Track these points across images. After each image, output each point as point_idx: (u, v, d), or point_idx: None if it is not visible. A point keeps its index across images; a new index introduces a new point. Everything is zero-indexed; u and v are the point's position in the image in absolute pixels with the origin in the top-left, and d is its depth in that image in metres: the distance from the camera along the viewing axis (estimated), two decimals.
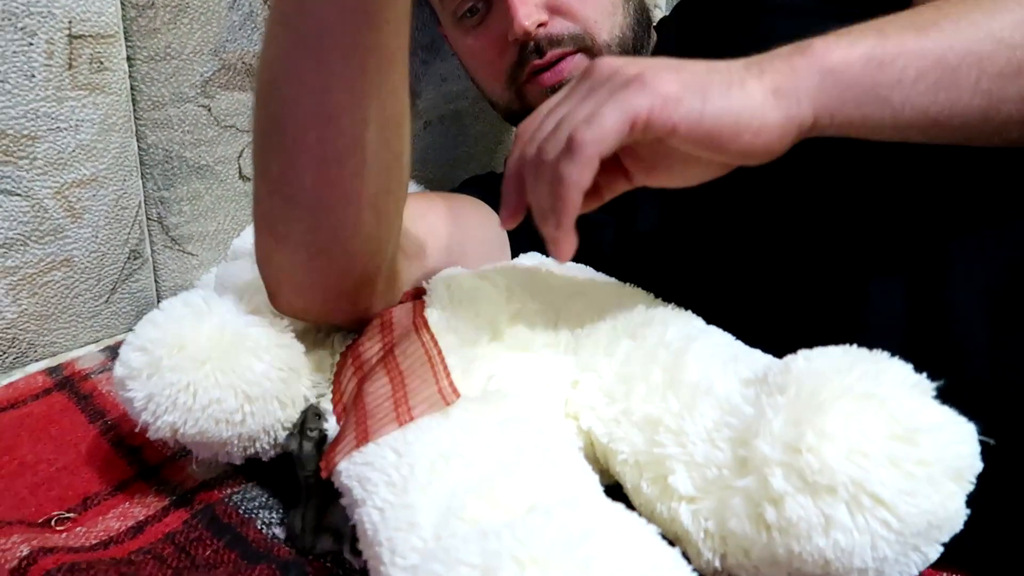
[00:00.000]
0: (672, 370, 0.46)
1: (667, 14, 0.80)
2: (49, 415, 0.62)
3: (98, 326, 0.74)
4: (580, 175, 0.38)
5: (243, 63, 0.73)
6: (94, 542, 0.50)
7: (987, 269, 0.48)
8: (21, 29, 0.59)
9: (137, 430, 0.50)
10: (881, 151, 0.47)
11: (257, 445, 0.53)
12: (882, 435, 0.35)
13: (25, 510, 0.52)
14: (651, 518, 0.43)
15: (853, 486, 0.34)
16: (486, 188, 0.74)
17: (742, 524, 0.38)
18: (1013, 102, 0.43)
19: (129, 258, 0.74)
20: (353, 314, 0.57)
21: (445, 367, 0.47)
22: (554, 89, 0.67)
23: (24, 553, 0.46)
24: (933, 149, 0.46)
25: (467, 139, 1.01)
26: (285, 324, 0.54)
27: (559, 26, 0.67)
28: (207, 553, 0.49)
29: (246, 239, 0.74)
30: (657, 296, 0.56)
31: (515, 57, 0.69)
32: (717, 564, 0.41)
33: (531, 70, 0.68)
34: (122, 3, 0.64)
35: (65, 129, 0.64)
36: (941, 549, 0.36)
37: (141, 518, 0.52)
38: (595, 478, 0.42)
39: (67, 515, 0.52)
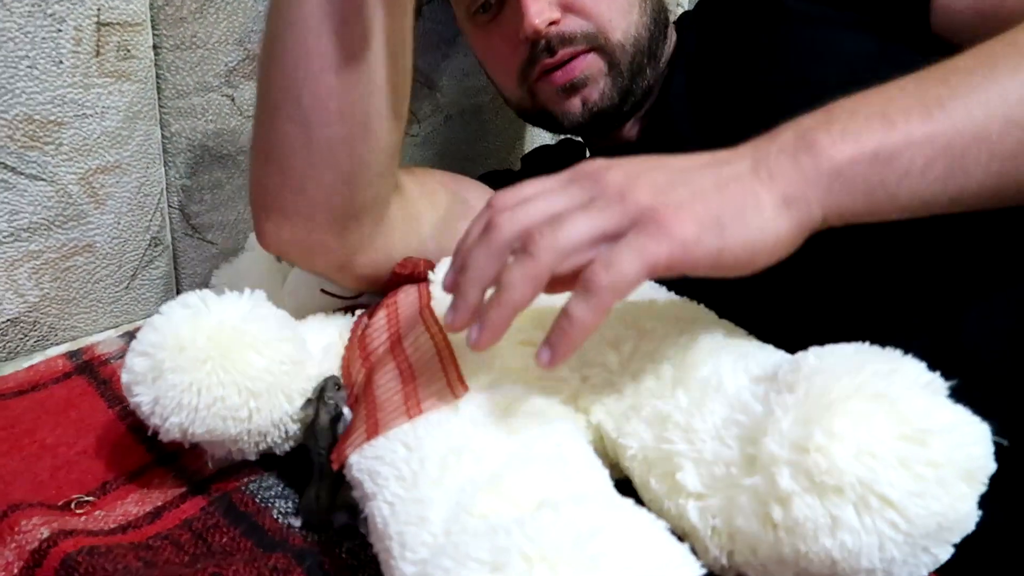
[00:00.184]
0: (681, 365, 0.45)
1: (689, 9, 0.80)
2: (69, 398, 0.63)
3: (118, 311, 0.75)
4: (593, 319, 0.37)
5: None
6: (113, 526, 0.50)
7: (1005, 309, 0.48)
8: (51, 15, 0.60)
9: (149, 433, 0.51)
10: None
11: (268, 440, 0.53)
12: (891, 435, 0.35)
13: (45, 492, 0.52)
14: (660, 514, 0.42)
15: (861, 487, 0.34)
16: (500, 184, 0.74)
17: (749, 522, 0.38)
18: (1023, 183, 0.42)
19: (150, 245, 0.74)
20: (337, 253, 0.59)
21: (454, 360, 0.47)
22: (565, 89, 0.67)
23: (44, 535, 0.47)
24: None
25: (487, 134, 1.01)
26: (286, 317, 0.55)
27: (572, 24, 0.66)
28: (223, 540, 0.50)
29: None
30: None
31: (526, 55, 0.67)
32: (724, 561, 0.41)
33: (542, 68, 0.67)
34: None
35: (91, 116, 0.65)
36: (951, 550, 0.36)
37: (159, 503, 0.53)
38: (605, 473, 0.42)
39: (86, 498, 0.52)
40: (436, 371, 0.46)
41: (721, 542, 0.40)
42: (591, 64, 0.67)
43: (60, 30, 0.60)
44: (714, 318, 0.51)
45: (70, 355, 0.69)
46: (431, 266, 0.60)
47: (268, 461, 0.56)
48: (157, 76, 0.69)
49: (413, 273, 0.61)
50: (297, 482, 0.55)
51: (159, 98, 0.70)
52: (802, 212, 0.39)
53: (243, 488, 0.54)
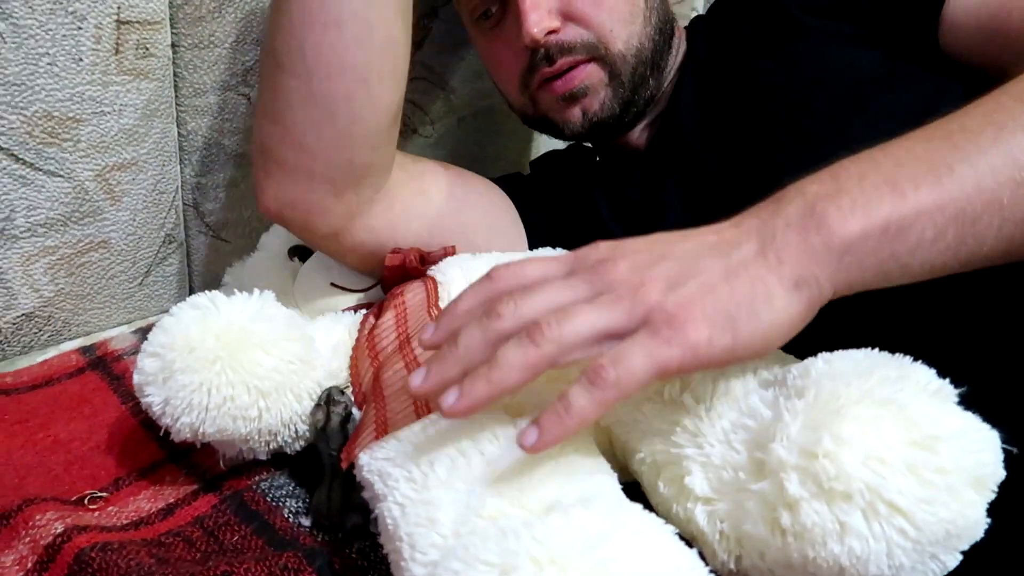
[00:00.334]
0: None
1: (702, 14, 0.79)
2: (82, 394, 0.64)
3: (131, 308, 0.75)
4: (592, 411, 0.36)
5: None
6: (125, 522, 0.51)
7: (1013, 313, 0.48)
8: (71, 13, 0.60)
9: (161, 433, 0.51)
10: None
11: (279, 439, 0.54)
12: (900, 442, 0.35)
13: (59, 487, 0.53)
14: (668, 518, 0.43)
15: (869, 493, 0.34)
16: (508, 187, 0.74)
17: (757, 527, 0.38)
18: None
19: (164, 242, 0.75)
20: (335, 215, 0.61)
21: None
22: (565, 98, 0.67)
23: (59, 530, 0.47)
24: None
25: (499, 135, 1.01)
26: (294, 317, 0.55)
27: (572, 33, 0.65)
28: (235, 539, 0.50)
29: (274, 234, 0.75)
30: None
31: (526, 63, 0.67)
32: (732, 566, 0.41)
33: (542, 77, 0.67)
34: None
35: (109, 113, 0.65)
36: (960, 557, 0.36)
37: (171, 500, 0.53)
38: (614, 476, 0.42)
39: (100, 494, 0.53)
40: None
41: (729, 546, 0.40)
42: (591, 74, 0.67)
43: (80, 28, 0.61)
44: None
45: (83, 350, 0.69)
46: (419, 254, 0.60)
47: (279, 460, 0.56)
48: (175, 74, 0.69)
49: (405, 264, 0.61)
50: (308, 481, 0.55)
51: (176, 96, 0.70)
52: (812, 291, 0.38)
53: (254, 487, 0.54)
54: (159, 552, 0.47)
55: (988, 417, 0.37)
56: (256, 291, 0.55)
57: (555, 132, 0.73)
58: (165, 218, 0.74)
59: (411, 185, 0.66)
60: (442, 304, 0.56)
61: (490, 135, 1.00)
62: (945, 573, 0.36)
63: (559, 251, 0.64)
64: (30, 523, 0.48)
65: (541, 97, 0.69)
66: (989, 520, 0.36)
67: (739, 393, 0.43)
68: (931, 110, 0.45)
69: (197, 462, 0.57)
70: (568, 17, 0.65)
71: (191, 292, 0.80)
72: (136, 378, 0.52)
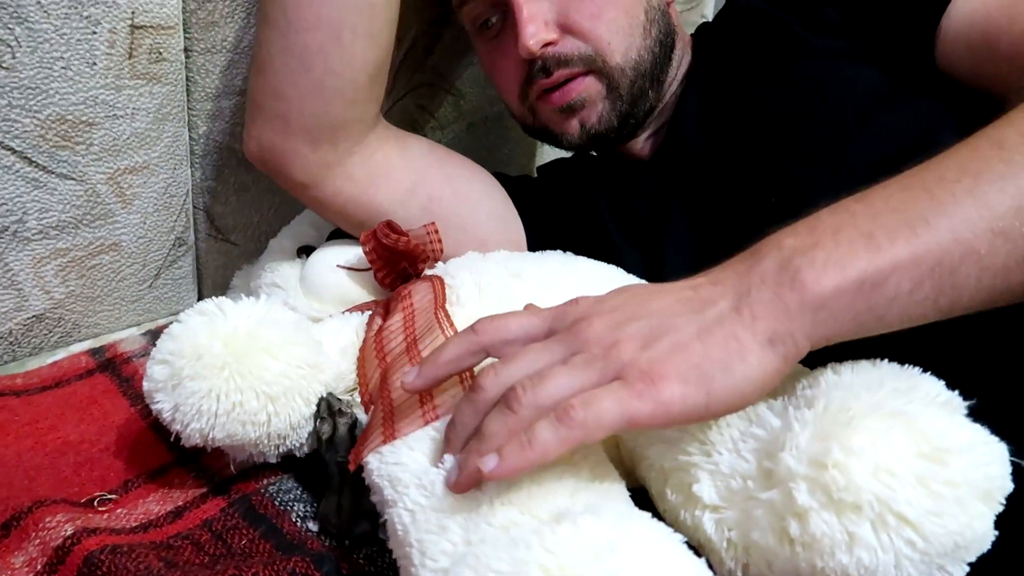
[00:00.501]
0: None
1: (709, 20, 0.79)
2: (92, 396, 0.64)
3: (140, 310, 0.76)
4: (555, 447, 0.36)
5: None
6: (134, 524, 0.51)
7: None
8: (86, 18, 0.60)
9: (172, 439, 0.52)
10: None
11: (288, 443, 0.54)
12: (910, 454, 0.35)
13: (69, 489, 0.53)
14: (675, 525, 0.43)
15: (879, 504, 0.34)
16: (513, 187, 0.74)
17: (765, 536, 0.38)
18: (1018, 291, 0.40)
19: (174, 245, 0.75)
20: (312, 163, 0.64)
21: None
22: (563, 109, 0.67)
23: (68, 533, 0.47)
24: None
25: (508, 141, 1.01)
26: (301, 320, 0.55)
27: (569, 46, 0.65)
28: (243, 542, 0.50)
29: (282, 240, 0.75)
30: None
31: (524, 74, 0.68)
32: (740, 574, 0.41)
33: (540, 88, 0.67)
34: None
35: (122, 117, 0.65)
36: (967, 569, 0.36)
37: (180, 503, 0.53)
38: (622, 483, 0.42)
39: (109, 496, 0.53)
40: (452, 376, 0.47)
41: (736, 554, 0.41)
42: (588, 87, 0.67)
43: (95, 32, 0.61)
44: None
45: (93, 352, 0.70)
46: (388, 223, 0.62)
47: (287, 464, 0.57)
48: (187, 79, 0.70)
49: (396, 247, 0.62)
50: (315, 486, 0.55)
51: (188, 100, 0.71)
52: (788, 347, 0.38)
53: (262, 490, 0.55)
54: (168, 555, 0.48)
55: (997, 430, 0.37)
56: (263, 295, 0.55)
57: (555, 142, 0.73)
58: (175, 221, 0.74)
59: (393, 141, 0.69)
60: (450, 307, 0.56)
61: (499, 141, 1.00)
62: None
63: (569, 255, 0.64)
64: (40, 525, 0.48)
65: (540, 108, 0.69)
66: (997, 532, 0.36)
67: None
68: (930, 130, 0.45)
69: (206, 465, 0.57)
70: (566, 29, 0.65)
71: (200, 295, 0.81)
72: (146, 385, 0.52)
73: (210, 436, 0.50)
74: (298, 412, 0.53)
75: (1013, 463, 0.36)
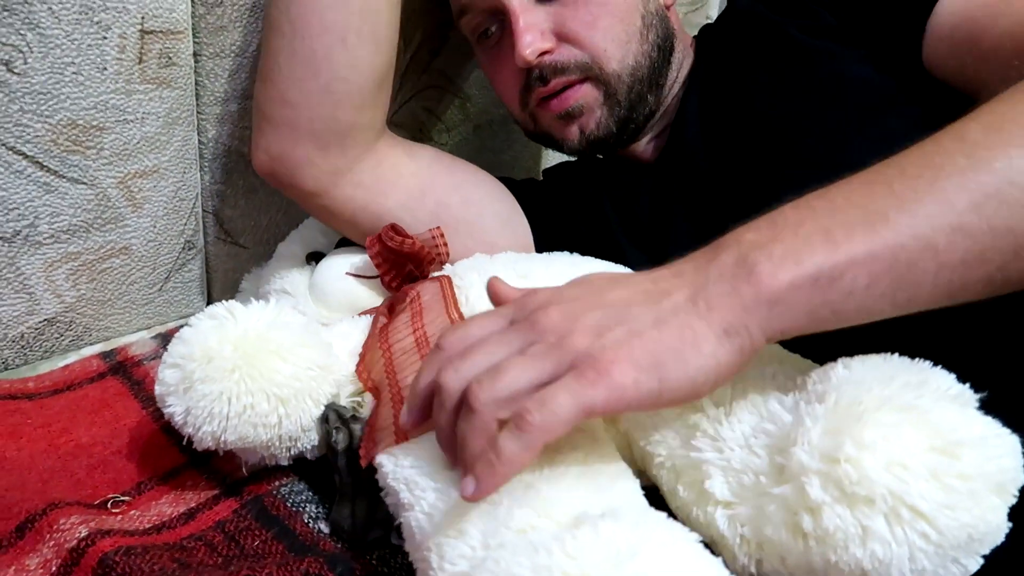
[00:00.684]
0: None
1: (711, 22, 0.79)
2: (103, 399, 0.64)
3: (151, 313, 0.76)
4: (523, 456, 0.36)
5: None
6: (148, 526, 0.51)
7: None
8: (97, 23, 0.61)
9: (184, 442, 0.52)
10: None
11: (299, 445, 0.54)
12: (922, 447, 0.35)
13: (82, 491, 0.53)
14: (687, 522, 0.43)
15: (892, 498, 0.34)
16: (519, 190, 0.75)
17: (778, 532, 0.38)
18: (976, 288, 0.40)
19: (184, 248, 0.75)
20: (322, 170, 0.65)
21: None
22: (561, 116, 0.68)
23: (83, 534, 0.48)
24: None
25: (514, 143, 1.01)
26: (310, 323, 0.56)
27: (565, 54, 0.66)
28: (256, 543, 0.50)
29: (291, 244, 0.76)
30: None
31: (523, 83, 0.69)
32: (753, 570, 0.41)
33: (538, 96, 0.68)
34: (193, 0, 0.66)
35: (132, 121, 0.66)
36: (981, 561, 0.36)
37: (193, 505, 0.53)
38: (636, 483, 0.42)
39: (122, 498, 0.53)
40: None
41: (750, 550, 0.41)
42: (586, 94, 0.67)
43: (105, 37, 0.62)
44: None
45: (104, 355, 0.70)
46: (392, 227, 0.62)
47: (298, 465, 0.57)
48: (196, 83, 0.70)
49: (402, 249, 0.62)
50: (327, 487, 0.55)
51: (197, 104, 0.71)
52: (743, 339, 0.38)
53: (275, 492, 0.55)
54: (181, 556, 0.48)
55: (1009, 422, 0.37)
56: (273, 299, 0.55)
57: (557, 147, 0.74)
58: (185, 224, 0.74)
59: (400, 148, 0.69)
60: (462, 307, 0.56)
61: (505, 143, 1.00)
62: None
63: (575, 256, 0.65)
64: (54, 527, 0.48)
65: (540, 115, 0.70)
66: (1010, 524, 0.36)
67: (759, 398, 0.43)
68: (928, 133, 0.45)
69: (218, 467, 0.57)
70: (562, 38, 0.66)
71: (209, 298, 0.81)
72: (157, 389, 0.53)
73: (222, 439, 0.51)
74: (308, 414, 0.53)
75: None
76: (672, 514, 0.43)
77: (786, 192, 0.42)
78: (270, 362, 0.51)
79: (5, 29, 0.57)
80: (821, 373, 0.41)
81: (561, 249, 0.67)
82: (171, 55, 0.66)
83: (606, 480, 0.41)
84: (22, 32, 0.58)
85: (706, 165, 0.66)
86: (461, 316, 0.54)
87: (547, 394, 0.36)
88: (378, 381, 0.52)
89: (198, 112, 0.71)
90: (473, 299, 0.57)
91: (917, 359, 0.40)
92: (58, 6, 0.59)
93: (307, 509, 0.54)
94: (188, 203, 0.74)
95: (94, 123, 0.64)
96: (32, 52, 0.59)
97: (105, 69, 0.63)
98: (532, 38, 0.64)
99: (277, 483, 0.56)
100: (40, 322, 0.69)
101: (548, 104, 0.68)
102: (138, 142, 0.67)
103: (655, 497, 0.44)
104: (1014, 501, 0.36)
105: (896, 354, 0.41)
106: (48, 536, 0.48)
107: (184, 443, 0.52)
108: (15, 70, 0.59)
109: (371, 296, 0.68)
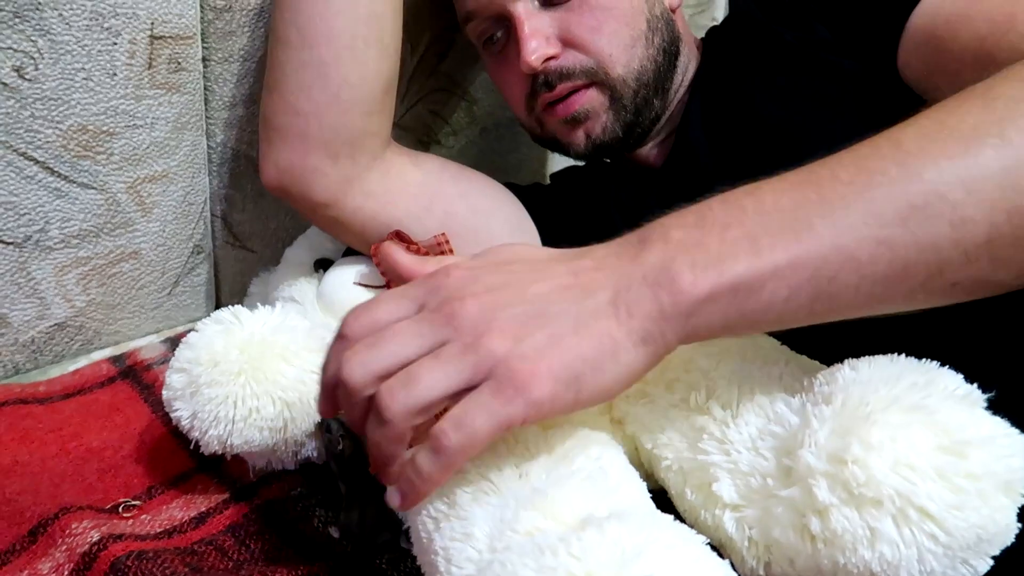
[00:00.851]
0: (715, 376, 0.46)
1: (717, 24, 0.79)
2: (114, 403, 0.65)
3: (160, 317, 0.76)
4: (441, 475, 0.37)
5: None
6: (159, 530, 0.51)
7: None
8: (107, 29, 0.61)
9: (192, 447, 0.53)
10: None
11: (306, 449, 0.54)
12: (929, 447, 0.35)
13: (94, 495, 0.54)
14: (695, 524, 0.43)
15: (900, 499, 0.34)
16: (526, 195, 0.75)
17: (786, 534, 0.38)
18: (897, 302, 0.40)
19: (192, 252, 0.76)
20: (332, 180, 0.65)
21: None
22: (567, 121, 0.68)
23: (95, 539, 0.48)
24: None
25: (521, 145, 1.01)
26: (314, 327, 0.56)
27: (571, 59, 0.66)
28: (266, 547, 0.51)
29: (298, 250, 0.76)
30: None
31: (528, 88, 0.69)
32: (761, 572, 0.41)
33: (544, 102, 0.68)
34: (201, 5, 0.66)
35: (141, 126, 0.66)
36: (991, 562, 0.36)
37: (203, 509, 0.54)
38: (643, 486, 0.42)
39: (133, 502, 0.53)
40: None
41: (758, 553, 0.41)
42: (591, 99, 0.67)
43: (115, 43, 0.62)
44: None
45: (114, 360, 0.70)
46: (398, 233, 0.63)
47: (306, 469, 0.57)
48: (205, 88, 0.70)
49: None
50: (336, 491, 0.56)
51: (206, 109, 0.71)
52: (658, 345, 0.38)
53: (284, 496, 0.55)
54: (192, 560, 0.48)
55: (1017, 422, 0.37)
56: (279, 304, 0.56)
57: (563, 152, 0.74)
58: (194, 229, 0.75)
59: (407, 157, 0.70)
60: None
61: (513, 145, 1.00)
62: None
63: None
64: (67, 531, 0.49)
65: (546, 119, 0.70)
66: (1020, 524, 0.36)
67: (765, 399, 0.43)
68: None
69: (227, 471, 0.57)
70: (567, 43, 0.66)
71: (218, 301, 0.81)
72: (165, 394, 0.53)
73: (228, 443, 0.51)
74: (315, 418, 0.53)
75: None
76: (680, 517, 0.43)
77: None
78: (275, 366, 0.52)
79: (17, 36, 0.58)
80: (828, 374, 0.41)
81: (562, 229, 0.68)
82: (180, 60, 0.66)
83: (613, 482, 0.41)
84: (33, 39, 0.58)
85: (711, 169, 0.66)
86: None
87: (464, 415, 0.36)
88: None
89: (207, 116, 0.72)
90: None
91: (924, 359, 0.40)
92: (69, 13, 0.59)
93: (316, 513, 0.54)
94: (197, 207, 0.74)
95: (104, 128, 0.64)
96: (43, 58, 0.59)
97: (115, 75, 0.63)
98: (537, 44, 0.65)
99: (286, 487, 0.56)
100: (51, 326, 0.69)
101: (554, 109, 0.68)
102: (147, 147, 0.67)
103: (663, 500, 0.44)
104: (1023, 501, 0.35)
105: (903, 354, 0.40)
106: (60, 540, 0.48)
107: (192, 447, 0.53)
108: (26, 76, 0.59)
109: None
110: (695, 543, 0.35)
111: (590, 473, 0.41)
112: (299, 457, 0.55)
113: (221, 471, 0.57)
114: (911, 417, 0.36)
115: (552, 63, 0.66)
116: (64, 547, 0.48)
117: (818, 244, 0.38)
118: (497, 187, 0.74)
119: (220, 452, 0.52)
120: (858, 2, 0.60)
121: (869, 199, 0.38)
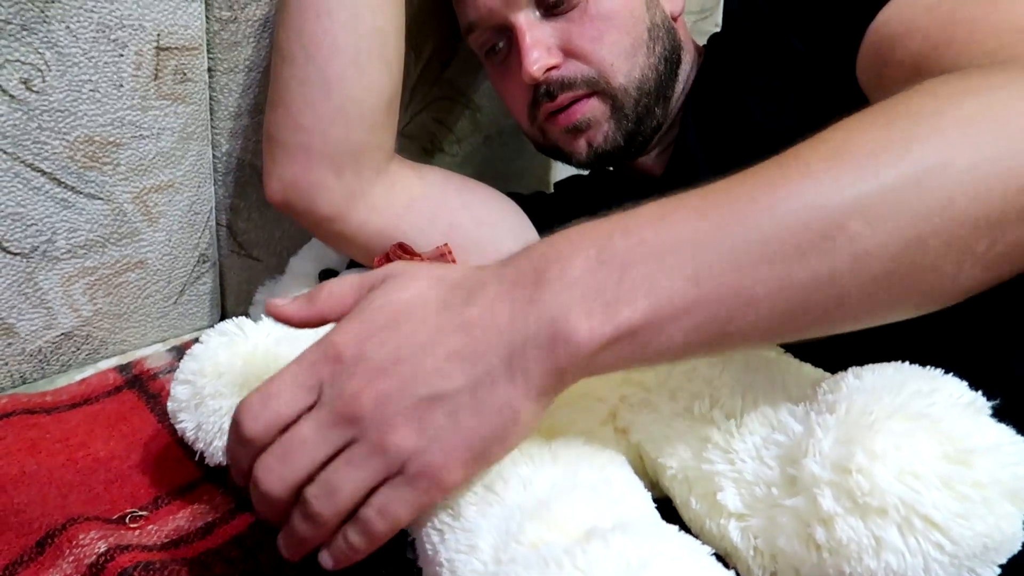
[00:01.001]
0: (719, 384, 0.46)
1: (719, 31, 0.79)
2: (120, 412, 0.65)
3: (166, 326, 0.76)
4: (371, 548, 0.40)
5: None
6: (165, 541, 0.51)
7: None
8: (114, 41, 0.61)
9: (197, 458, 0.53)
10: None
11: None
12: (934, 456, 0.34)
13: (101, 506, 0.54)
14: (700, 534, 0.43)
15: (904, 508, 0.34)
16: (529, 205, 0.75)
17: (791, 543, 0.38)
18: (796, 335, 0.39)
19: (198, 261, 0.76)
20: (337, 194, 0.65)
21: None
22: (569, 130, 0.68)
23: (102, 550, 0.48)
24: None
25: (524, 153, 1.02)
26: (316, 340, 0.56)
27: (572, 69, 0.67)
28: (273, 558, 0.50)
29: (303, 260, 0.76)
30: None
31: (530, 98, 0.69)
32: None
33: (546, 111, 0.69)
34: (207, 17, 0.67)
35: (147, 137, 0.67)
36: (997, 571, 0.36)
37: (209, 519, 0.54)
38: (648, 496, 0.42)
39: (140, 513, 0.53)
40: None
41: (763, 562, 0.41)
42: (593, 108, 0.68)
43: (122, 55, 0.62)
44: None
45: (120, 369, 0.71)
46: (401, 246, 0.63)
47: None
48: (210, 98, 0.71)
49: (391, 260, 0.62)
50: None
51: (212, 119, 0.72)
52: (558, 390, 0.39)
53: None
54: (199, 572, 0.48)
55: (1022, 429, 0.37)
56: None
57: (566, 160, 0.74)
58: (199, 238, 0.75)
59: (410, 170, 0.70)
60: None
61: (516, 153, 1.01)
62: None
63: None
64: (74, 542, 0.49)
65: (548, 129, 0.71)
66: None
67: (769, 408, 0.43)
68: None
69: (233, 481, 0.57)
70: (569, 53, 0.66)
71: (224, 310, 0.82)
72: (170, 405, 0.54)
73: None
74: None
75: None
76: (685, 526, 0.43)
77: None
78: None
79: (24, 48, 0.58)
80: (831, 382, 0.41)
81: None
82: (186, 71, 0.67)
83: (617, 493, 0.41)
84: (40, 51, 0.59)
85: (708, 177, 0.66)
86: None
87: (387, 505, 0.38)
88: None
89: (212, 127, 0.72)
90: None
91: (928, 367, 0.40)
92: (76, 25, 0.59)
93: None
94: (203, 217, 0.74)
95: (111, 139, 0.65)
96: (50, 70, 0.60)
97: (122, 86, 0.63)
98: (539, 54, 0.65)
99: None
100: (57, 336, 0.69)
101: (556, 119, 0.69)
102: (154, 157, 0.68)
103: (668, 509, 0.44)
104: None
105: (907, 361, 0.40)
106: (68, 551, 0.48)
107: (198, 457, 0.53)
108: (34, 88, 0.59)
109: None
110: (700, 554, 0.35)
111: (594, 484, 0.41)
112: None
113: (227, 481, 0.57)
114: (915, 425, 0.36)
115: (553, 73, 0.66)
116: (71, 558, 0.48)
117: (716, 286, 0.37)
118: (500, 198, 0.74)
119: (226, 464, 0.52)
120: (825, 16, 0.60)
121: (769, 239, 0.37)
